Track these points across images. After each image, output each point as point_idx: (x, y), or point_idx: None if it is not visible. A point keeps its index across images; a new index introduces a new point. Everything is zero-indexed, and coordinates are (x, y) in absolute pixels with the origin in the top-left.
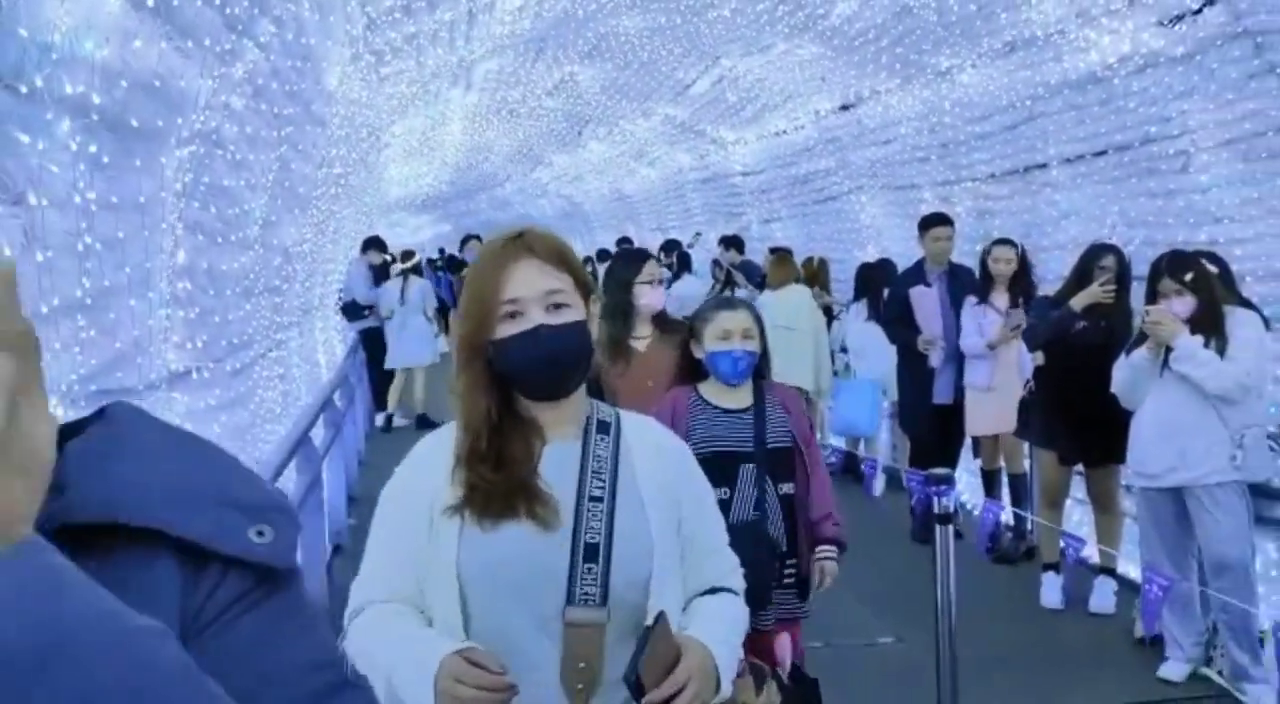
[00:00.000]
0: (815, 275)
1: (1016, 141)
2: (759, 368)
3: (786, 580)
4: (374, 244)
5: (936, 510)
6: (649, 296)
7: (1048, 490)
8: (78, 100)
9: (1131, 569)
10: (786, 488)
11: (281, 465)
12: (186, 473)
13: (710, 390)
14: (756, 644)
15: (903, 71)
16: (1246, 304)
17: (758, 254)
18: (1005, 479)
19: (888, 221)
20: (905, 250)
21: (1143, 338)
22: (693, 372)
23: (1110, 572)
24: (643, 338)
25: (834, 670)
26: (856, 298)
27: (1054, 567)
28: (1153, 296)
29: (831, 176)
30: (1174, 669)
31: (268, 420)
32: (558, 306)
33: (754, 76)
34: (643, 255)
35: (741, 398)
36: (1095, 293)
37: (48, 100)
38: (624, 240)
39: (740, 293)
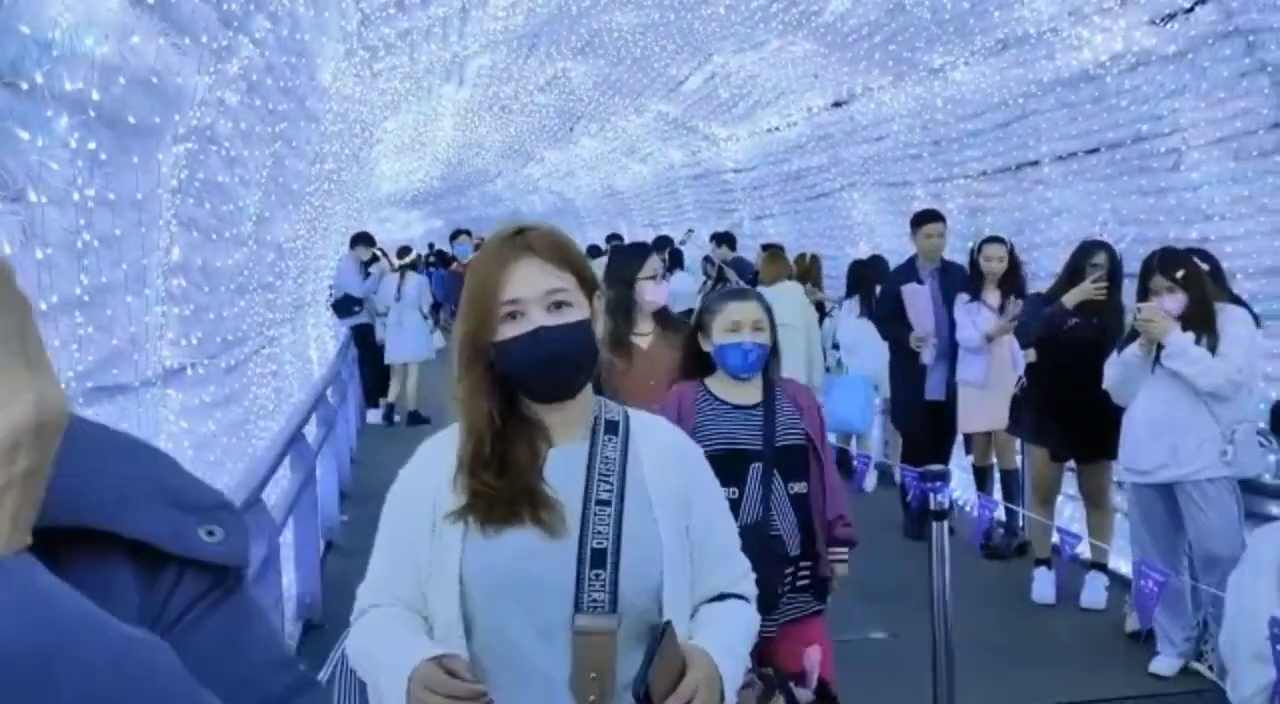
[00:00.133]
0: (807, 272)
1: (1009, 139)
2: (767, 363)
3: (799, 582)
4: (362, 239)
5: (932, 506)
6: (652, 293)
7: (1039, 486)
8: (76, 97)
9: (1122, 565)
10: (798, 487)
11: (276, 462)
12: (132, 474)
13: (718, 385)
14: (772, 653)
15: (895, 68)
16: (1237, 301)
17: (749, 251)
18: (997, 475)
19: (880, 218)
20: (897, 247)
21: (1134, 335)
22: (697, 367)
23: (1101, 567)
24: (645, 335)
25: None
26: (849, 294)
27: (1046, 562)
28: (1144, 294)
29: (824, 173)
30: (1165, 664)
31: (261, 417)
32: (559, 306)
33: (747, 73)
34: (645, 251)
35: (751, 393)
36: (1087, 290)
37: (47, 97)
38: (614, 237)
39: None
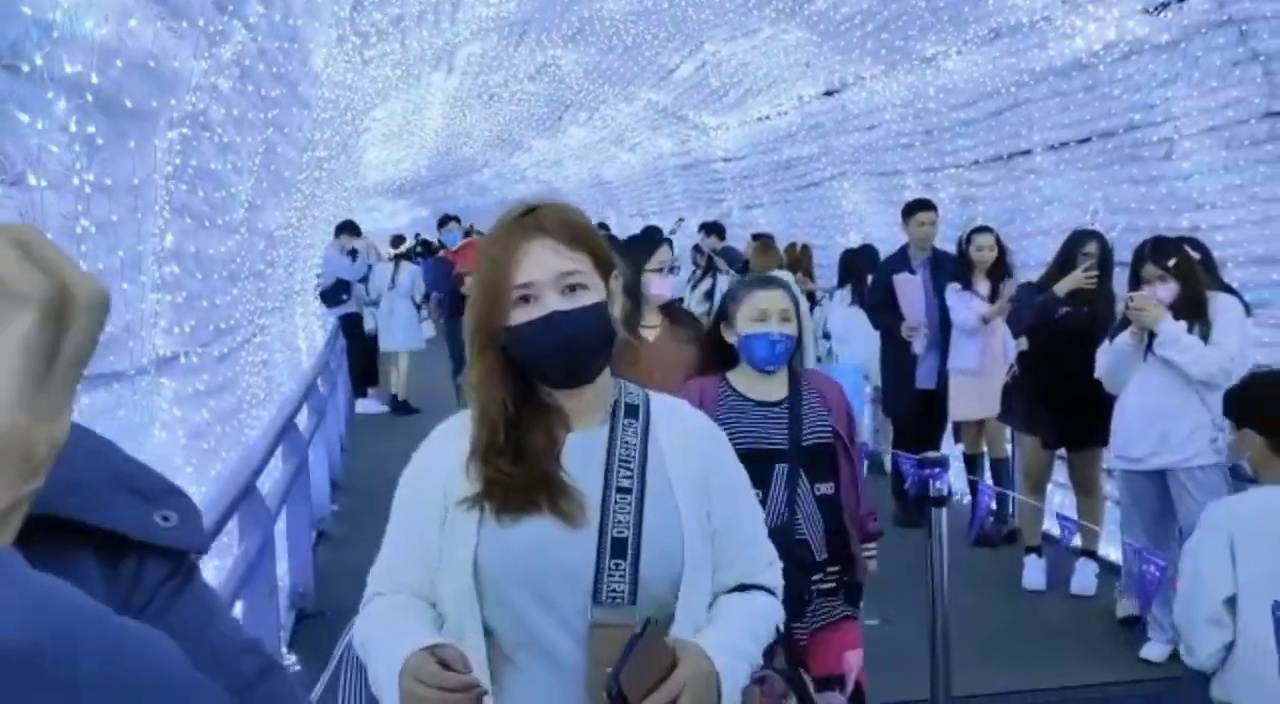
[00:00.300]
0: (798, 261)
1: (1001, 128)
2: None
3: (825, 586)
4: (347, 228)
5: (931, 493)
6: (656, 286)
7: (1030, 474)
8: (75, 80)
9: (1112, 551)
10: (825, 488)
11: (270, 451)
12: (88, 462)
13: (741, 379)
14: (805, 658)
15: (888, 57)
16: (1227, 289)
17: (739, 240)
18: (987, 463)
19: (870, 208)
20: (888, 236)
21: (1126, 323)
22: (719, 361)
23: (1091, 554)
24: (651, 327)
25: None
26: (840, 284)
27: (1036, 549)
28: (1136, 282)
29: (814, 162)
30: (1155, 650)
31: (253, 406)
32: (573, 288)
33: (738, 61)
34: (655, 241)
35: (776, 388)
36: (1078, 278)
37: (47, 79)
38: (601, 226)
39: (722, 278)
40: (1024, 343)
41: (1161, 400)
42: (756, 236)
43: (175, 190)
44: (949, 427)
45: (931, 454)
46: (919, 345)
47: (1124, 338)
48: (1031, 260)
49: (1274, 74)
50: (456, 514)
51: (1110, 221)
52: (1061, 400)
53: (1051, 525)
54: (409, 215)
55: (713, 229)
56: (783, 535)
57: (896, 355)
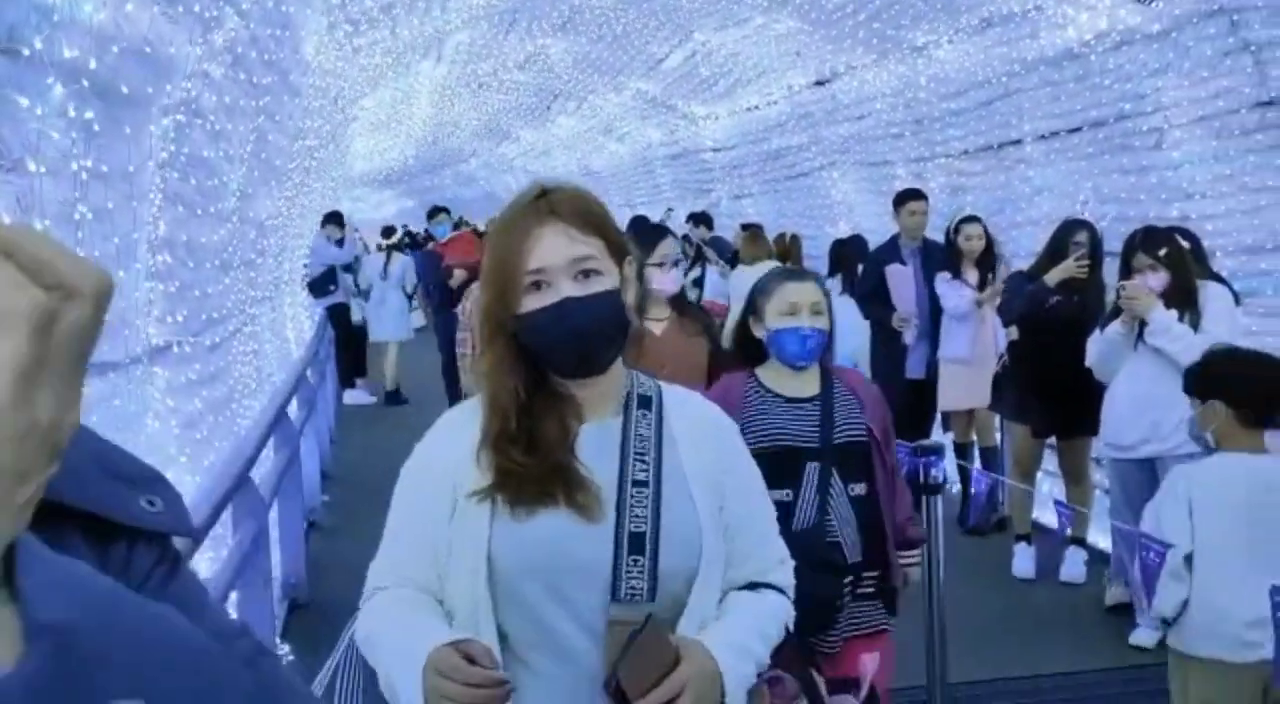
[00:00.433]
0: (787, 252)
1: (991, 118)
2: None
3: (860, 590)
4: (333, 219)
5: (927, 481)
6: (660, 281)
7: (1020, 463)
8: (72, 65)
9: (1101, 539)
10: (858, 488)
11: (262, 441)
12: (74, 448)
13: (770, 376)
14: (832, 663)
15: (879, 47)
16: (1217, 279)
17: (727, 230)
18: (977, 452)
19: (860, 198)
20: (877, 226)
21: (1117, 312)
22: (747, 356)
23: (1080, 542)
24: (659, 321)
25: None
26: (830, 274)
27: (1026, 538)
28: (1127, 272)
29: (804, 152)
30: (1145, 636)
31: (244, 395)
32: (586, 274)
33: (728, 51)
34: (658, 234)
35: (807, 384)
36: (1069, 268)
37: (46, 64)
38: None
39: (712, 269)
40: (1014, 332)
41: (1152, 389)
42: (746, 226)
43: (168, 178)
44: (938, 416)
45: (927, 442)
46: (910, 336)
47: (1115, 327)
48: (1021, 250)
49: (1265, 64)
50: (467, 507)
51: (1100, 211)
52: (1052, 389)
53: (1041, 513)
54: (395, 206)
55: (700, 219)
56: (813, 537)
57: (887, 346)
